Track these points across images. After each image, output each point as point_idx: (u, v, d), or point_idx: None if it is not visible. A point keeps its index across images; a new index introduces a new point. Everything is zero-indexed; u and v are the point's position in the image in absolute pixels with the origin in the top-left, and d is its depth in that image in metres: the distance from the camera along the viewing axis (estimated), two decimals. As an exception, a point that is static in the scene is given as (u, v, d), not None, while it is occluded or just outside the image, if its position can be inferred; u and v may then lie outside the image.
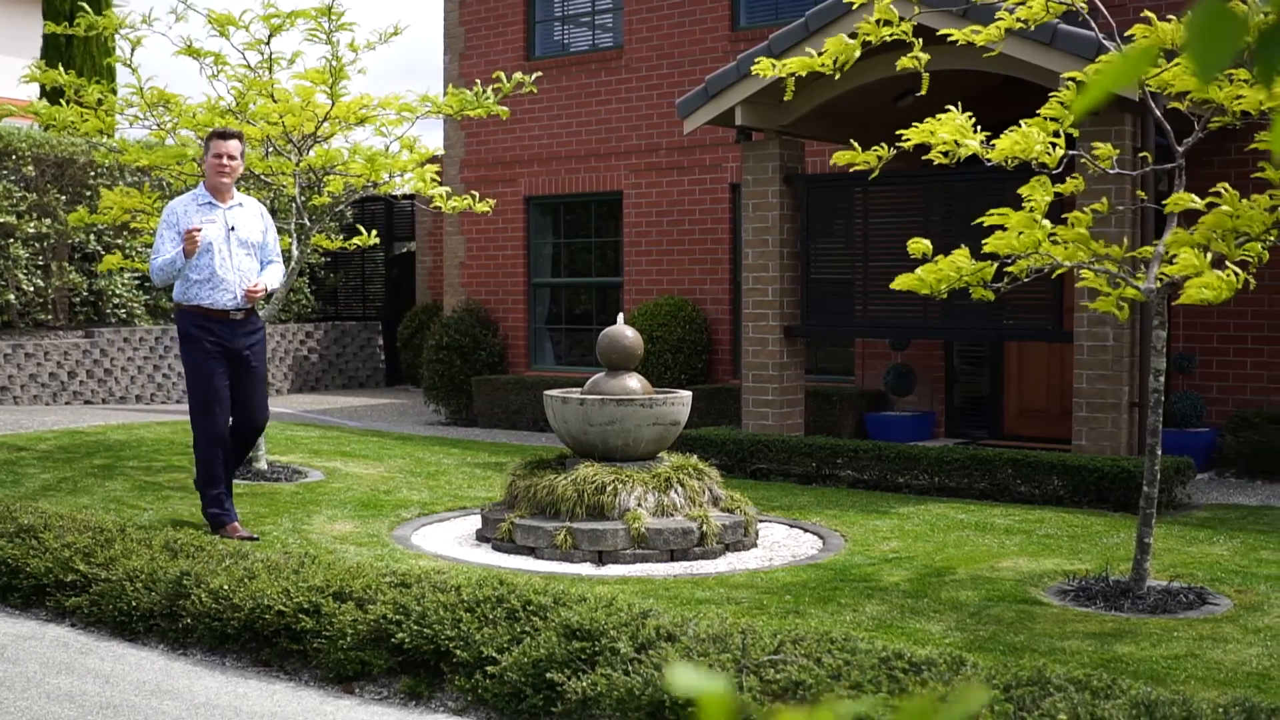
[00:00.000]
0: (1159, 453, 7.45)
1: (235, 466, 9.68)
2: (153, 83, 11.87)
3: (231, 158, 9.41)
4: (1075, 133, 7.70)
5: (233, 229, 9.38)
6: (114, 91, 12.46)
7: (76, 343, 18.85)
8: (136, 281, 19.90)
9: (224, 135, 9.51)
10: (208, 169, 9.46)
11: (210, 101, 11.94)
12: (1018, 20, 8.06)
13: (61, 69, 12.09)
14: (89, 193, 18.67)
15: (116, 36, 11.95)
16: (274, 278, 9.59)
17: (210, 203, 9.41)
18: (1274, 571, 8.26)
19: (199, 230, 9.04)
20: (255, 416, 9.59)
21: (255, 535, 9.19)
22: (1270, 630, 6.78)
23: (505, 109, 12.32)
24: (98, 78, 20.08)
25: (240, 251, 9.38)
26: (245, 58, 11.69)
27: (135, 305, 19.82)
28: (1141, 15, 7.95)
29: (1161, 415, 7.50)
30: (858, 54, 8.24)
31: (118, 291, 19.52)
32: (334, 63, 11.41)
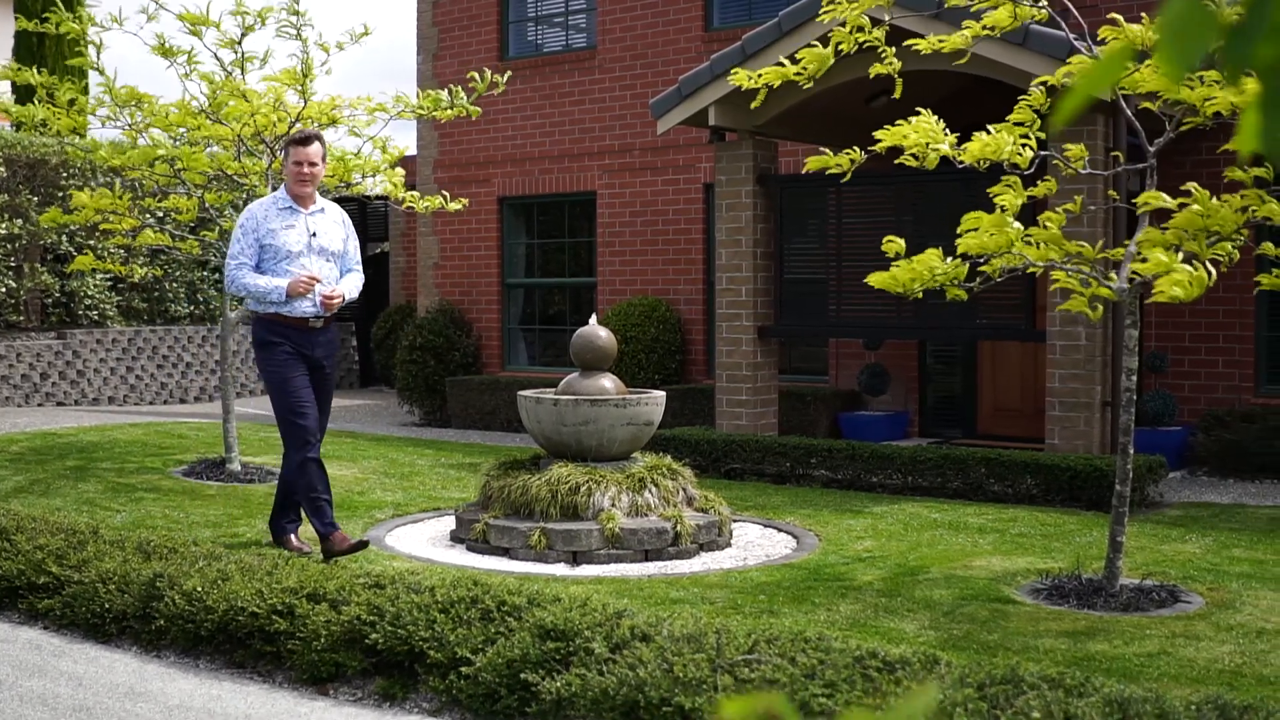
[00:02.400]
0: (1131, 451, 7.48)
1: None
2: (125, 82, 11.85)
3: (312, 164, 8.81)
4: (1042, 135, 7.71)
5: (314, 235, 8.85)
6: (86, 91, 12.41)
7: (49, 344, 18.78)
8: (109, 283, 19.83)
9: (303, 141, 8.86)
10: (287, 177, 8.89)
11: (182, 101, 11.91)
12: (984, 28, 8.08)
13: (34, 69, 12.03)
14: (61, 193, 18.58)
15: (89, 33, 11.90)
16: (352, 286, 9.04)
17: (291, 207, 8.84)
18: (1246, 569, 8.30)
19: (313, 282, 8.62)
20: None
21: (309, 548, 8.75)
22: (1242, 628, 6.81)
23: (477, 108, 12.30)
24: (70, 77, 20.01)
25: (320, 259, 8.85)
26: (218, 56, 11.65)
27: (107, 306, 19.74)
28: (1108, 16, 7.98)
29: (1134, 414, 7.53)
30: (831, 62, 8.25)
31: (90, 293, 19.45)
32: (304, 63, 11.37)
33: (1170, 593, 7.51)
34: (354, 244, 9.21)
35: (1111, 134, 11.76)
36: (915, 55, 9.26)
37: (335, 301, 8.75)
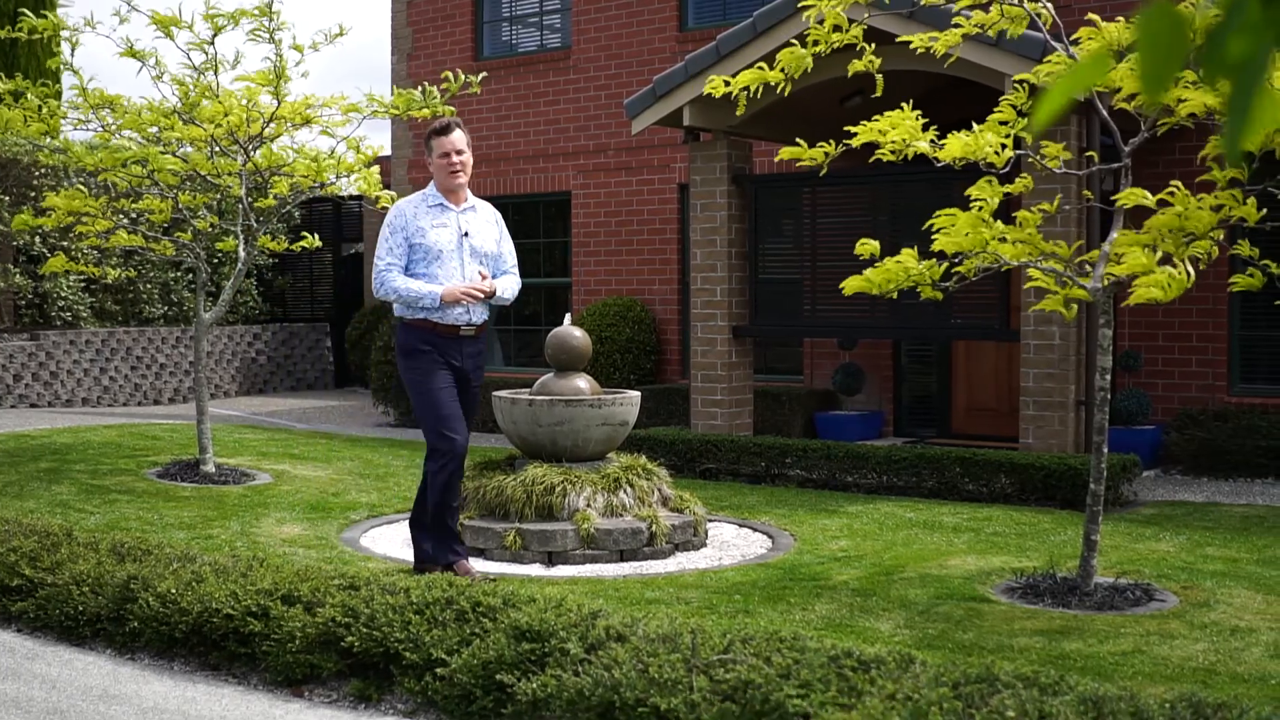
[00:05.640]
0: (1105, 450, 7.50)
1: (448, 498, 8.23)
2: (97, 84, 11.78)
3: (460, 152, 8.18)
4: (1028, 137, 7.72)
5: (466, 235, 8.19)
6: (59, 95, 12.35)
7: (22, 345, 18.68)
8: (82, 284, 19.75)
9: (444, 130, 8.23)
10: (436, 171, 8.26)
11: (153, 103, 11.85)
12: (975, 26, 8.09)
13: (2, 74, 11.96)
14: (33, 193, 18.50)
15: (62, 37, 11.84)
16: (507, 286, 8.40)
17: (441, 204, 8.21)
18: (1219, 568, 8.33)
19: (472, 294, 8.03)
20: None
21: (477, 575, 7.93)
22: (1216, 626, 6.83)
23: (450, 108, 12.27)
24: (43, 80, 19.93)
25: (473, 261, 8.19)
26: (189, 58, 11.60)
27: (81, 307, 19.66)
28: (1086, 18, 8.00)
29: (1108, 413, 7.55)
30: (810, 62, 8.23)
31: (63, 294, 19.36)
32: (277, 64, 11.33)
33: (1145, 591, 7.53)
34: (509, 245, 8.59)
35: (1085, 134, 11.78)
36: (890, 55, 9.27)
37: (486, 292, 8.13)
